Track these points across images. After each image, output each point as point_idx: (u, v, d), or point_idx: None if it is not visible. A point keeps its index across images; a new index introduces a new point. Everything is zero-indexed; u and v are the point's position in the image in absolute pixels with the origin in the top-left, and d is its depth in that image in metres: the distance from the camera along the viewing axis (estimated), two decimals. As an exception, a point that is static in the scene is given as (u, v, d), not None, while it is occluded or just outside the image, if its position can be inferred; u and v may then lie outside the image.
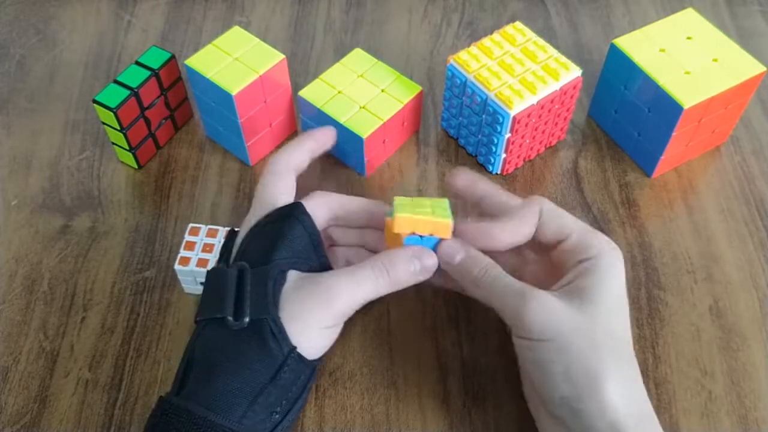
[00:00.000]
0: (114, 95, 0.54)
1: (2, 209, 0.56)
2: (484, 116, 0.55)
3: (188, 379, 0.40)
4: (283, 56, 0.55)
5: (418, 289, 0.51)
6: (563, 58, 0.55)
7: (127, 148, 0.57)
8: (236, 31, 0.57)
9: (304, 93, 0.57)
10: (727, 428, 0.46)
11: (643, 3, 0.73)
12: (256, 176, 0.58)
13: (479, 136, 0.57)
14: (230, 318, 0.40)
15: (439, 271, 0.44)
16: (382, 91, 0.57)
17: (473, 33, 0.70)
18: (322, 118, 0.57)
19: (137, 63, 0.57)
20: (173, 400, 0.39)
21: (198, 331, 0.42)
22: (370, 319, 0.50)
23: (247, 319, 0.40)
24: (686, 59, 0.55)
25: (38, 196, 0.57)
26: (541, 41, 0.57)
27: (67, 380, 0.47)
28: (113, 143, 0.58)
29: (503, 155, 0.57)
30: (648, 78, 0.54)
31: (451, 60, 0.56)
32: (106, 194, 0.57)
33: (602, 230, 0.55)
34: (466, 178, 0.48)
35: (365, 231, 0.49)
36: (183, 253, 0.49)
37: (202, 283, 0.49)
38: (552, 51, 0.56)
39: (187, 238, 0.50)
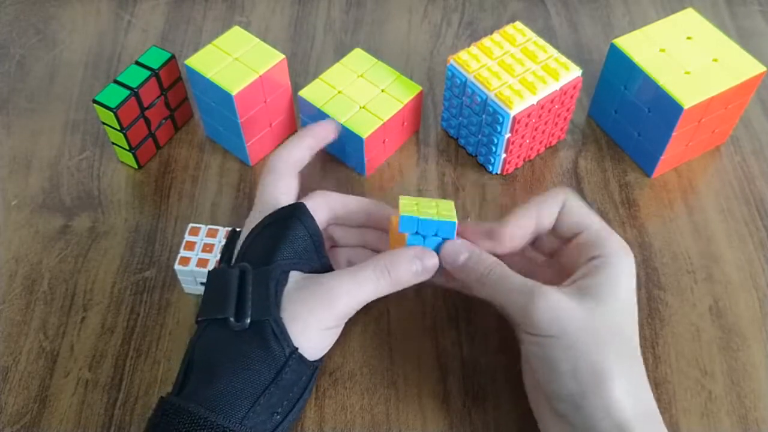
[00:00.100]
0: (114, 95, 0.54)
1: (2, 209, 0.56)
2: (484, 116, 0.55)
3: (189, 380, 0.40)
4: (283, 56, 0.55)
5: (418, 289, 0.51)
6: (563, 58, 0.55)
7: (127, 148, 0.57)
8: (236, 31, 0.57)
9: (304, 93, 0.57)
10: (727, 428, 0.46)
11: (643, 3, 0.73)
12: (256, 176, 0.58)
13: (479, 136, 0.57)
14: (232, 319, 0.40)
15: (441, 270, 0.44)
16: (382, 91, 0.57)
17: (473, 33, 0.70)
18: (322, 118, 0.57)
19: (137, 63, 0.57)
20: (174, 401, 0.39)
21: (199, 332, 0.42)
22: (370, 319, 0.50)
23: (248, 320, 0.40)
24: (686, 59, 0.55)
25: (38, 196, 0.57)
26: (541, 41, 0.57)
27: (67, 380, 0.47)
28: (113, 143, 0.58)
29: (503, 155, 0.57)
30: (648, 78, 0.54)
31: (451, 60, 0.56)
32: (106, 194, 0.57)
33: (602, 230, 0.55)
34: (514, 233, 0.44)
35: (366, 231, 0.49)
36: (183, 253, 0.49)
37: (202, 283, 0.49)
38: (552, 51, 0.56)
39: (187, 238, 0.50)
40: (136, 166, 0.59)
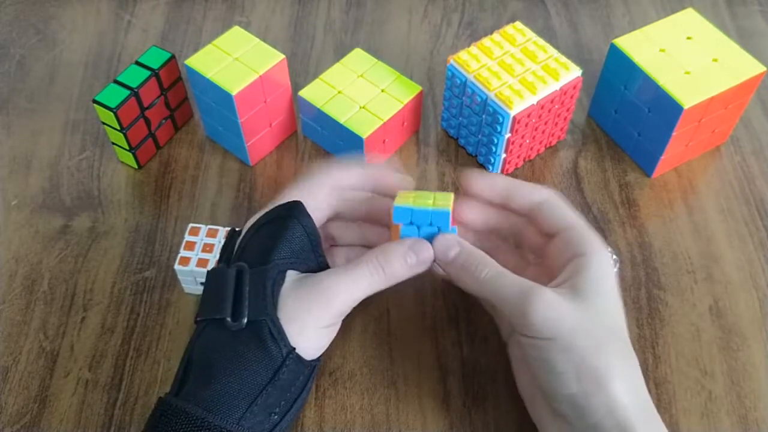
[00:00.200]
0: (114, 95, 0.54)
1: (2, 209, 0.56)
2: (484, 116, 0.55)
3: (188, 380, 0.40)
4: (283, 56, 0.55)
5: (418, 289, 0.52)
6: (563, 58, 0.55)
7: (127, 148, 0.57)
8: (236, 31, 0.57)
9: (304, 93, 0.57)
10: (727, 428, 0.46)
11: (643, 3, 0.73)
12: (256, 176, 0.58)
13: (479, 136, 0.57)
14: (228, 319, 0.40)
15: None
16: (382, 91, 0.57)
17: (473, 33, 0.70)
18: (322, 118, 0.57)
19: (137, 63, 0.57)
20: (171, 401, 0.39)
21: (198, 332, 0.42)
22: (370, 319, 0.50)
23: (245, 320, 0.40)
24: (686, 59, 0.55)
25: (38, 196, 0.57)
26: (541, 41, 0.57)
27: (67, 380, 0.47)
28: (113, 143, 0.58)
29: (503, 155, 0.57)
30: (648, 78, 0.54)
31: (451, 60, 0.56)
32: (106, 194, 0.57)
33: (602, 230, 0.55)
34: (479, 180, 0.46)
35: (367, 227, 0.49)
36: (183, 253, 0.49)
37: (202, 283, 0.49)
38: (552, 51, 0.56)
39: (187, 238, 0.50)
40: (136, 166, 0.59)
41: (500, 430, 0.46)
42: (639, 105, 0.56)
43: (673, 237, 0.55)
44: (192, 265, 0.49)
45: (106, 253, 0.54)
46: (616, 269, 0.52)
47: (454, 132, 0.60)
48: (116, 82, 0.55)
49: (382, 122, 0.55)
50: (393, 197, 0.45)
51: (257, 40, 0.56)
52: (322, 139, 0.59)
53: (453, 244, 0.43)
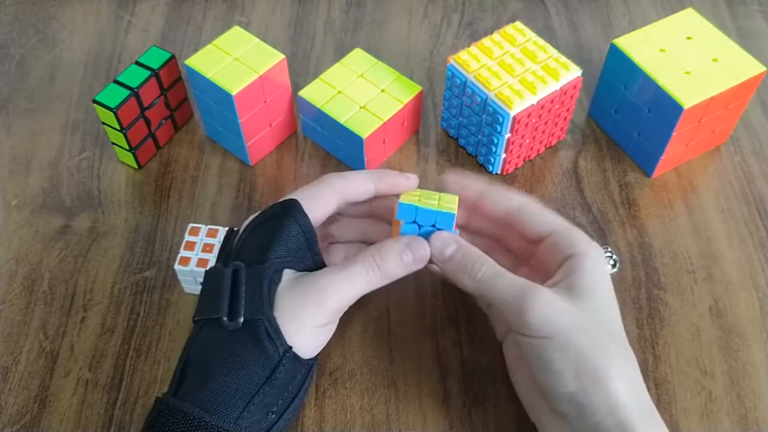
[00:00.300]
0: (114, 95, 0.54)
1: (2, 209, 0.56)
2: (484, 116, 0.55)
3: (185, 380, 0.40)
4: (283, 56, 0.55)
5: (418, 289, 0.52)
6: (563, 58, 0.55)
7: (127, 148, 0.57)
8: (236, 31, 0.57)
9: (304, 93, 0.57)
10: (727, 428, 0.46)
11: (643, 3, 0.73)
12: (256, 176, 0.58)
13: (479, 136, 0.57)
14: (225, 318, 0.40)
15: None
16: (382, 91, 0.57)
17: (473, 33, 0.70)
18: (322, 118, 0.57)
19: (137, 63, 0.57)
20: (169, 401, 0.39)
21: (195, 331, 0.42)
22: (370, 319, 0.50)
23: (241, 320, 0.40)
24: (686, 59, 0.55)
25: (38, 196, 0.57)
26: (541, 41, 0.57)
27: (67, 380, 0.47)
28: (113, 143, 0.58)
29: (503, 155, 0.57)
30: (648, 78, 0.54)
31: (451, 60, 0.56)
32: (106, 194, 0.57)
33: (602, 230, 0.55)
34: (456, 181, 0.47)
35: (367, 224, 0.49)
36: (183, 253, 0.49)
37: (201, 283, 0.49)
38: (552, 51, 0.56)
39: (187, 238, 0.50)
40: (136, 166, 0.59)
41: (500, 430, 0.46)
42: (639, 105, 0.56)
43: (673, 237, 0.55)
44: (192, 265, 0.49)
45: (106, 253, 0.54)
46: (616, 269, 0.52)
47: (454, 132, 0.60)
48: (116, 82, 0.55)
49: (382, 122, 0.55)
50: (397, 197, 0.45)
51: (257, 40, 0.56)
52: (322, 139, 0.59)
53: (450, 243, 0.43)
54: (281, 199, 0.44)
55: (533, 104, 0.54)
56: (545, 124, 0.57)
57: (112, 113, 0.54)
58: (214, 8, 0.72)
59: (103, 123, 0.56)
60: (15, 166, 0.59)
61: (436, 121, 0.62)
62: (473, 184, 0.46)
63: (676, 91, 0.53)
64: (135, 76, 0.56)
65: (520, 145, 0.56)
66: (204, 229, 0.50)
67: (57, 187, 0.58)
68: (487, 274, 0.42)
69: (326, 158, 0.60)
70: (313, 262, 0.44)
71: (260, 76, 0.54)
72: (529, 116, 0.54)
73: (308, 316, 0.41)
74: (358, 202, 0.47)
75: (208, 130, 0.61)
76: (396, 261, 0.42)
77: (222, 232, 0.50)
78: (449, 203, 0.44)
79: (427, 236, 0.43)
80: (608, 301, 0.41)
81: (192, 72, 0.54)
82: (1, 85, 0.65)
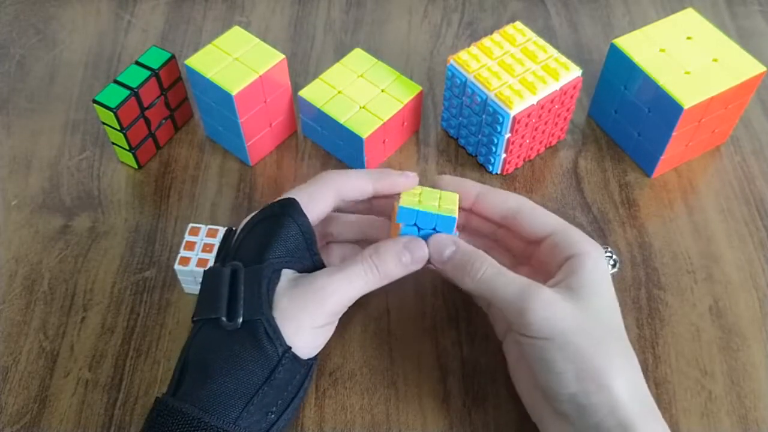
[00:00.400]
0: (114, 95, 0.54)
1: (2, 209, 0.56)
2: (484, 116, 0.55)
3: (184, 380, 0.40)
4: (283, 56, 0.55)
5: (418, 289, 0.52)
6: (563, 58, 0.55)
7: (127, 148, 0.57)
8: (236, 31, 0.57)
9: (304, 93, 0.57)
10: (727, 428, 0.46)
11: (643, 3, 0.73)
12: (256, 176, 0.58)
13: (479, 136, 0.57)
14: (224, 318, 0.40)
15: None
16: (382, 91, 0.57)
17: (473, 33, 0.70)
18: (322, 118, 0.57)
19: (137, 63, 0.57)
20: (168, 401, 0.39)
21: (194, 332, 0.42)
22: (370, 319, 0.50)
23: (240, 320, 0.40)
24: (686, 59, 0.55)
25: (38, 196, 0.57)
26: (541, 41, 0.57)
27: (67, 380, 0.47)
28: (113, 143, 0.58)
29: (503, 155, 0.57)
30: (648, 78, 0.54)
31: (451, 60, 0.56)
32: (106, 194, 0.57)
33: (602, 230, 0.55)
34: (451, 184, 0.47)
35: (366, 223, 0.49)
36: (183, 253, 0.49)
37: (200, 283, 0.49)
38: (552, 51, 0.56)
39: (187, 238, 0.50)
40: (136, 166, 0.59)
41: (500, 430, 0.46)
42: (639, 105, 0.56)
43: (673, 237, 0.55)
44: (192, 265, 0.49)
45: (106, 253, 0.54)
46: (616, 269, 0.52)
47: (454, 132, 0.60)
48: (116, 82, 0.55)
49: (382, 122, 0.55)
50: (397, 196, 0.45)
51: (257, 40, 0.56)
52: (322, 139, 0.59)
53: (448, 244, 0.43)
54: (279, 198, 0.44)
55: (533, 104, 0.54)
56: (545, 124, 0.57)
57: (112, 113, 0.54)
58: (214, 8, 0.72)
59: (103, 123, 0.56)
60: (15, 166, 0.59)
61: (436, 121, 0.62)
62: (468, 186, 0.46)
63: (676, 91, 0.53)
64: (135, 76, 0.56)
65: (520, 145, 0.56)
66: (204, 229, 0.50)
67: (57, 187, 0.58)
68: (487, 273, 0.42)
69: (326, 158, 0.60)
70: (312, 262, 0.44)
71: (260, 76, 0.54)
72: (529, 116, 0.54)
73: (307, 317, 0.41)
74: (356, 201, 0.47)
75: (208, 130, 0.61)
76: (394, 262, 0.42)
77: (222, 232, 0.50)
78: (450, 204, 0.44)
79: (426, 237, 0.43)
80: (609, 300, 0.41)
81: (192, 72, 0.54)
82: (1, 85, 0.65)
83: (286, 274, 0.42)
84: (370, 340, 0.49)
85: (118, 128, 0.55)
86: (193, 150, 0.60)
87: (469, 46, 0.57)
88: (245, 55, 0.55)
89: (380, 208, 0.48)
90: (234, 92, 0.52)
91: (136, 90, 0.55)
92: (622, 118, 0.59)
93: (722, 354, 0.49)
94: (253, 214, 0.45)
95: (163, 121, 0.59)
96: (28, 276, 0.52)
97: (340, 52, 0.66)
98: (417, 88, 0.58)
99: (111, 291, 0.52)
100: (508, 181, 0.58)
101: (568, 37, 0.69)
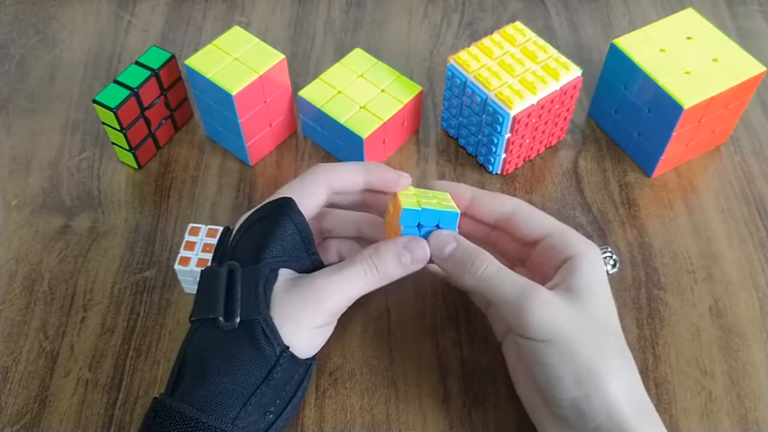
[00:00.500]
0: (114, 95, 0.54)
1: (2, 209, 0.56)
2: (484, 116, 0.55)
3: (182, 380, 0.40)
4: (283, 56, 0.55)
5: (418, 289, 0.52)
6: (563, 58, 0.55)
7: (127, 148, 0.57)
8: (236, 31, 0.57)
9: (304, 93, 0.57)
10: (727, 428, 0.46)
11: (643, 3, 0.73)
12: (256, 176, 0.58)
13: (479, 136, 0.57)
14: (221, 318, 0.40)
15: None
16: (382, 91, 0.57)
17: (473, 33, 0.70)
18: (322, 118, 0.57)
19: (137, 63, 0.57)
20: (166, 402, 0.39)
21: (191, 332, 0.42)
22: (370, 319, 0.50)
23: (237, 320, 0.40)
24: (686, 59, 0.55)
25: (38, 196, 0.57)
26: (541, 41, 0.57)
27: (67, 380, 0.47)
28: (113, 143, 0.58)
29: (503, 155, 0.57)
30: (648, 78, 0.54)
31: (451, 60, 0.56)
32: (106, 194, 0.57)
33: (602, 230, 0.55)
34: (447, 187, 0.47)
35: (362, 220, 0.48)
36: (183, 253, 0.49)
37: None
38: (552, 51, 0.56)
39: (187, 238, 0.50)
40: (136, 166, 0.59)
41: (500, 430, 0.46)
42: (639, 105, 0.56)
43: (673, 237, 0.55)
44: (192, 265, 0.49)
45: (106, 253, 0.54)
46: (616, 269, 0.52)
47: (454, 132, 0.60)
48: (116, 82, 0.55)
49: (382, 122, 0.55)
50: (389, 194, 0.45)
51: (257, 40, 0.56)
52: (322, 139, 0.59)
53: (449, 240, 0.43)
54: (274, 197, 0.44)
55: (533, 104, 0.54)
56: (545, 124, 0.57)
57: (112, 113, 0.54)
58: (214, 8, 0.72)
59: (103, 123, 0.56)
60: (15, 166, 0.59)
61: (436, 121, 0.62)
62: (463, 190, 0.46)
63: (676, 91, 0.53)
64: (135, 76, 0.56)
65: (520, 145, 0.56)
66: (204, 229, 0.50)
67: (57, 187, 0.58)
68: (488, 271, 0.41)
69: (326, 158, 0.60)
70: (310, 261, 0.44)
71: (260, 76, 0.54)
72: (529, 116, 0.54)
73: (306, 317, 0.41)
74: (349, 194, 0.47)
75: (208, 130, 0.61)
76: (394, 262, 0.42)
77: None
78: (447, 201, 0.44)
79: (426, 235, 0.43)
80: (606, 301, 0.41)
81: (192, 72, 0.54)
82: (1, 85, 0.65)
83: (284, 273, 0.42)
84: (370, 340, 0.49)
85: (118, 128, 0.55)
86: (193, 150, 0.60)
87: (469, 46, 0.57)
88: (245, 55, 0.55)
89: (372, 202, 0.47)
90: (234, 92, 0.52)
91: (136, 90, 0.55)
92: (622, 118, 0.59)
93: (722, 354, 0.49)
94: (249, 213, 0.44)
95: (163, 121, 0.59)
96: (28, 276, 0.52)
97: (340, 52, 0.66)
98: (417, 88, 0.58)
99: (111, 291, 0.52)
100: (508, 181, 0.58)
101: (568, 37, 0.69)
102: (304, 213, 0.43)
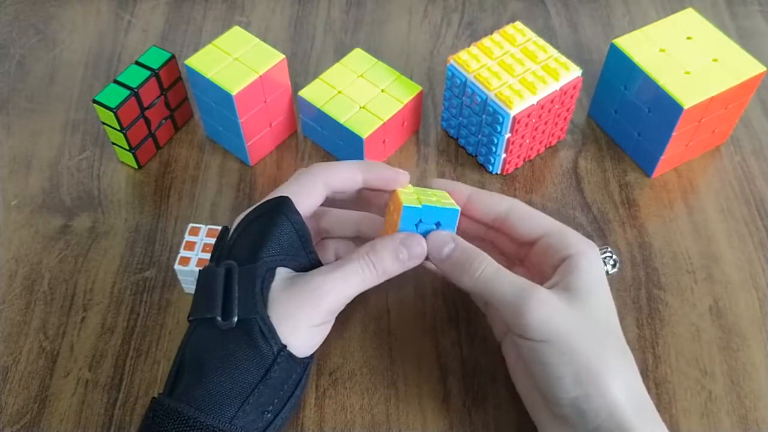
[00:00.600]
0: (114, 95, 0.54)
1: (2, 209, 0.56)
2: (484, 116, 0.55)
3: (180, 380, 0.40)
4: (283, 56, 0.55)
5: (418, 289, 0.52)
6: (563, 58, 0.55)
7: (127, 148, 0.57)
8: (236, 31, 0.57)
9: (304, 93, 0.57)
10: (727, 428, 0.46)
11: (643, 3, 0.73)
12: (256, 176, 0.58)
13: (479, 136, 0.57)
14: (219, 318, 0.40)
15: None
16: (382, 91, 0.57)
17: (473, 33, 0.70)
18: (322, 118, 0.57)
19: (137, 63, 0.57)
20: (164, 401, 0.39)
21: (189, 331, 0.42)
22: (370, 319, 0.50)
23: (235, 319, 0.40)
24: (686, 59, 0.55)
25: (38, 196, 0.57)
26: (541, 41, 0.57)
27: (67, 380, 0.47)
28: (113, 143, 0.58)
29: (503, 155, 0.57)
30: (648, 78, 0.54)
31: (451, 60, 0.56)
32: (106, 194, 0.57)
33: (602, 230, 0.55)
34: (444, 186, 0.47)
35: (361, 219, 0.48)
36: (183, 253, 0.49)
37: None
38: (552, 51, 0.56)
39: (187, 238, 0.50)
40: (136, 166, 0.59)
41: (500, 430, 0.46)
42: (639, 105, 0.56)
43: (673, 237, 0.55)
44: (192, 265, 0.49)
45: (106, 253, 0.54)
46: (616, 269, 0.52)
47: (454, 132, 0.60)
48: (116, 82, 0.55)
49: (382, 122, 0.55)
50: (386, 192, 0.45)
51: (257, 40, 0.56)
52: (322, 139, 0.59)
53: (447, 241, 0.43)
54: (271, 196, 0.44)
55: (533, 104, 0.54)
56: (545, 124, 0.57)
57: (112, 113, 0.54)
58: (214, 8, 0.72)
59: (103, 123, 0.56)
60: (15, 166, 0.59)
61: (436, 121, 0.62)
62: (460, 188, 0.46)
63: (676, 91, 0.53)
64: (135, 76, 0.56)
65: (520, 145, 0.56)
66: (204, 229, 0.50)
67: (57, 187, 0.58)
68: (486, 272, 0.41)
69: (326, 158, 0.60)
70: (308, 260, 0.44)
71: (260, 76, 0.54)
72: (529, 116, 0.54)
73: (304, 316, 0.41)
74: (347, 192, 0.47)
75: (208, 130, 0.61)
76: (391, 258, 0.42)
77: (222, 232, 0.50)
78: (446, 199, 0.44)
79: (424, 233, 0.43)
80: (606, 300, 0.41)
81: (192, 72, 0.54)
82: (1, 85, 0.65)
83: (282, 272, 0.42)
84: (370, 340, 0.49)
85: (118, 128, 0.55)
86: (193, 150, 0.60)
87: (469, 46, 0.57)
88: (245, 55, 0.55)
89: (371, 200, 0.47)
90: (234, 92, 0.52)
91: (136, 90, 0.55)
92: (622, 118, 0.59)
93: (722, 354, 0.49)
94: (246, 212, 0.44)
95: (163, 121, 0.59)
96: (28, 276, 0.52)
97: (340, 52, 0.66)
98: (417, 88, 0.58)
99: (111, 291, 0.52)
100: (508, 181, 0.58)
101: (568, 37, 0.69)
102: (301, 212, 0.43)
